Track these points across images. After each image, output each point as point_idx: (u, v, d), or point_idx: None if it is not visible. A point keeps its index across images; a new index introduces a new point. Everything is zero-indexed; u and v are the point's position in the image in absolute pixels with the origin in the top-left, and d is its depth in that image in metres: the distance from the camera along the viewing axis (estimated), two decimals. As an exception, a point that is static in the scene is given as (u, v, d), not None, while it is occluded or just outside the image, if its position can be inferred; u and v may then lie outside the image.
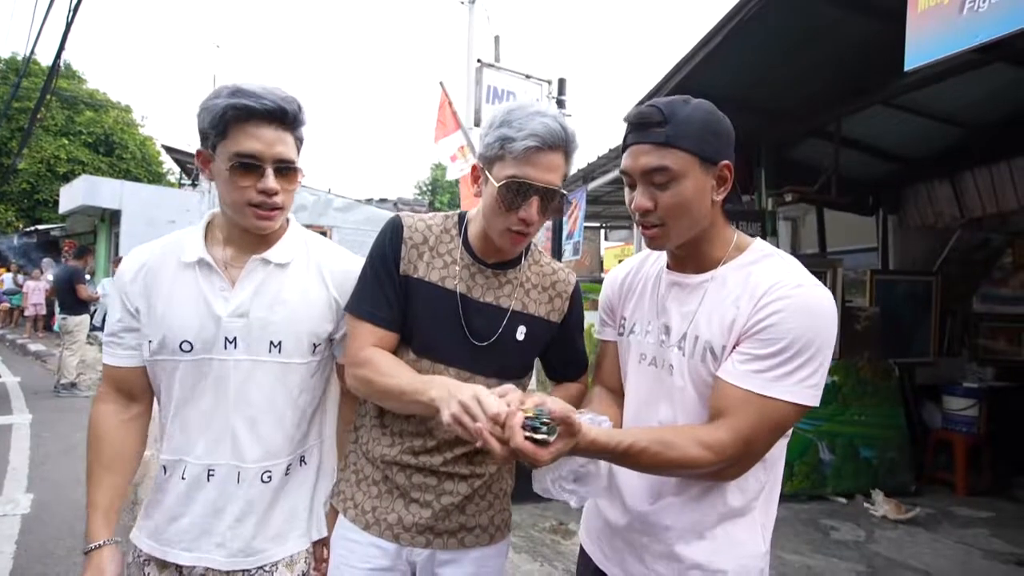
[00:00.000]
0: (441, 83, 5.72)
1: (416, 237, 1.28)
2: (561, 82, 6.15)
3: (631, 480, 1.19)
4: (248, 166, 1.15)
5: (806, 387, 1.02)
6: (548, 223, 4.24)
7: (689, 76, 3.90)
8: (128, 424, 1.28)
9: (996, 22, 2.07)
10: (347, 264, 1.34)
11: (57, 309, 8.41)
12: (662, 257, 1.26)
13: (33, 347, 11.55)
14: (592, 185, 6.31)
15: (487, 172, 1.20)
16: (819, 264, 4.81)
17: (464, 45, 6.57)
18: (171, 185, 20.18)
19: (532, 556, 3.21)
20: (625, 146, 1.14)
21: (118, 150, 21.05)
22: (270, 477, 1.24)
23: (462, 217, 1.34)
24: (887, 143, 5.12)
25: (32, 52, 9.11)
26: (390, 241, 1.27)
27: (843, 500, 4.28)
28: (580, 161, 6.32)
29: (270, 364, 1.23)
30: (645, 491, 1.17)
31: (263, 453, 1.23)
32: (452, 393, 1.02)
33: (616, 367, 1.33)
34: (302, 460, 1.31)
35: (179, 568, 1.23)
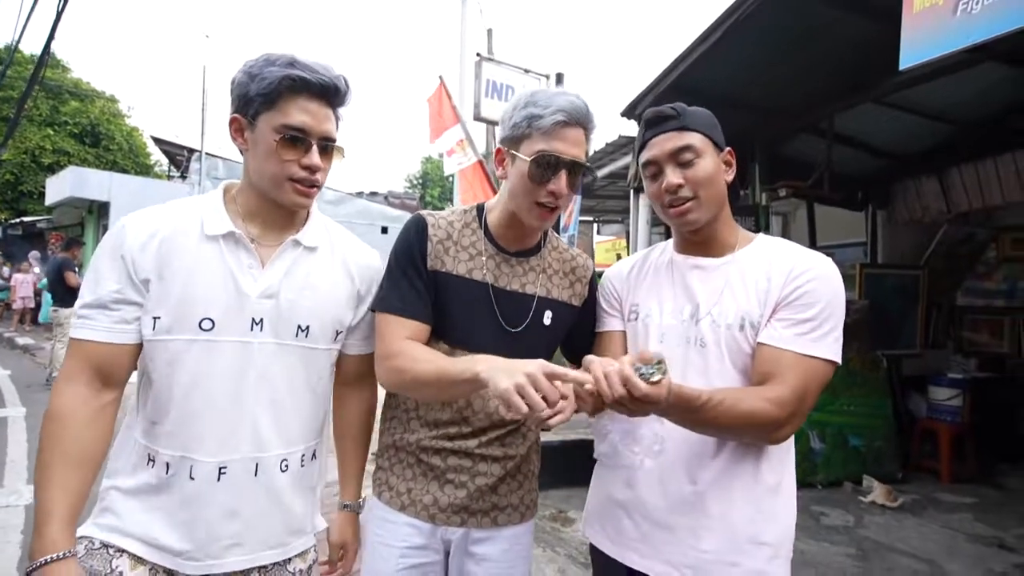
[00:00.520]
0: (440, 77, 5.71)
1: (440, 233, 1.30)
2: (559, 76, 6.18)
3: (672, 462, 1.21)
4: (296, 139, 1.11)
5: (837, 345, 1.16)
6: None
7: (686, 73, 3.93)
8: (100, 414, 1.11)
9: (989, 23, 2.15)
10: (370, 259, 1.34)
11: (49, 299, 8.27)
12: (668, 248, 1.36)
13: (21, 340, 11.43)
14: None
15: (514, 152, 1.24)
16: (810, 258, 4.87)
17: (456, 38, 6.58)
18: (159, 177, 19.95)
19: (535, 542, 3.27)
20: (644, 142, 1.26)
21: (105, 141, 20.76)
22: (287, 466, 1.20)
23: (480, 209, 1.37)
24: (878, 140, 5.20)
25: (19, 40, 8.96)
26: (416, 238, 1.29)
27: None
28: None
29: (295, 348, 1.18)
30: (683, 473, 1.20)
31: (283, 440, 1.18)
32: (506, 368, 1.02)
33: (624, 353, 1.37)
34: (313, 455, 1.27)
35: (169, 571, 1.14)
